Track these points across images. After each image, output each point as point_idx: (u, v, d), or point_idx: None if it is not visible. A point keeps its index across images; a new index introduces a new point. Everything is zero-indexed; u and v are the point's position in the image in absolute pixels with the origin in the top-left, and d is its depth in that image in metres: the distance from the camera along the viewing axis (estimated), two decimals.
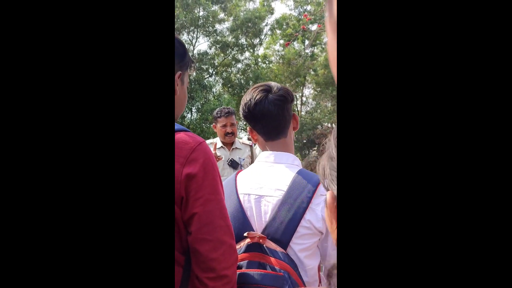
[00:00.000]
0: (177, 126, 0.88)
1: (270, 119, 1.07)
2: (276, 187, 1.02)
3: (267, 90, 1.08)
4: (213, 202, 0.83)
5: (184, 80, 0.97)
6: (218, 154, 3.04)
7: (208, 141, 3.18)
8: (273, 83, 1.11)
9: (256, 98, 1.06)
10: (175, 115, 0.95)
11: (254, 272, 0.91)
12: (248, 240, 0.96)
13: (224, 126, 3.07)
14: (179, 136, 0.84)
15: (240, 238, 0.98)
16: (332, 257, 1.00)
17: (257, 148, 3.21)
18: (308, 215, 0.96)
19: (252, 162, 3.20)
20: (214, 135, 3.35)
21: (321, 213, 0.97)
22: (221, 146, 3.14)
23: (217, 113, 3.12)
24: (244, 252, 0.95)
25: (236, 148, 3.20)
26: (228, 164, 3.09)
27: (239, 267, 0.93)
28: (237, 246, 0.95)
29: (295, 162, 1.10)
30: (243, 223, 1.00)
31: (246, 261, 0.94)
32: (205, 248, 0.80)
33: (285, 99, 1.07)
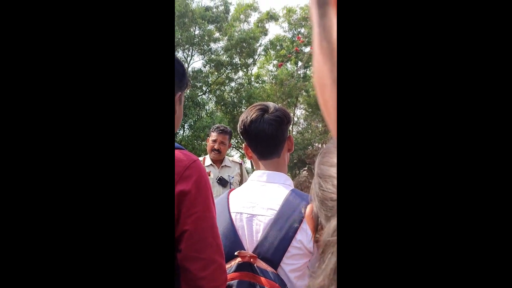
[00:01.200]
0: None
1: (264, 139, 1.09)
2: (268, 207, 1.03)
3: (264, 109, 1.10)
4: (205, 219, 0.82)
5: (181, 99, 1.00)
6: (207, 170, 3.05)
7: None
8: (271, 104, 1.13)
9: (253, 117, 1.09)
10: None
11: None
12: (239, 259, 0.97)
13: (214, 141, 3.08)
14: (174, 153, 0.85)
15: (231, 257, 0.98)
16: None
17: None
18: (299, 235, 0.97)
19: (241, 180, 3.19)
20: (205, 152, 3.35)
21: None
22: (210, 164, 3.14)
23: (212, 128, 3.13)
24: (235, 271, 0.95)
25: (225, 166, 3.20)
26: (217, 181, 3.08)
27: (229, 287, 0.93)
28: (228, 265, 0.95)
29: (287, 182, 1.11)
30: (235, 241, 1.00)
31: (237, 280, 0.94)
32: (195, 266, 0.79)
33: (281, 120, 1.10)
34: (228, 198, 1.09)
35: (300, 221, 0.97)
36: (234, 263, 0.96)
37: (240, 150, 16.79)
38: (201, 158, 3.12)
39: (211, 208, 0.86)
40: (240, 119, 1.13)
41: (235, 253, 0.96)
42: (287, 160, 1.15)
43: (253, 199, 1.04)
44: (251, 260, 0.95)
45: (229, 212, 1.05)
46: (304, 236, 0.97)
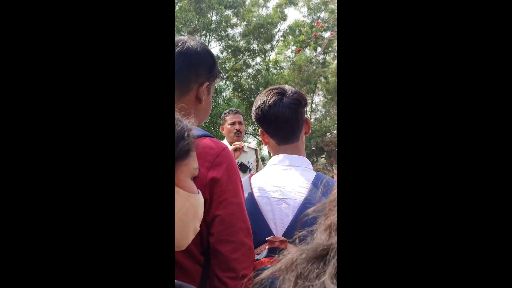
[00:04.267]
0: (201, 131, 0.91)
1: (284, 123, 1.06)
2: (296, 190, 1.01)
3: (282, 93, 1.07)
4: (235, 205, 0.86)
5: (210, 90, 1.01)
6: None
7: None
8: (287, 87, 1.10)
9: (271, 101, 1.05)
10: (198, 122, 0.98)
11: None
12: (268, 244, 0.95)
13: (233, 124, 3.06)
14: (204, 141, 0.87)
15: (260, 242, 0.96)
16: None
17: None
18: None
19: (257, 166, 3.18)
20: (222, 139, 3.33)
21: None
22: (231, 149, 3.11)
23: (225, 113, 3.11)
24: (266, 256, 0.94)
25: (243, 151, 3.18)
26: (238, 167, 3.05)
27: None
28: (258, 250, 0.95)
29: (309, 166, 1.09)
30: (262, 226, 0.99)
31: (269, 265, 0.92)
32: (226, 249, 0.84)
33: (299, 103, 1.07)
34: (250, 183, 1.07)
35: None
36: (264, 248, 0.95)
37: (257, 137, 16.84)
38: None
39: (240, 194, 0.90)
40: (255, 104, 1.10)
41: (266, 239, 0.94)
42: (304, 143, 1.13)
43: (278, 183, 1.02)
44: (282, 245, 0.93)
45: (254, 197, 1.03)
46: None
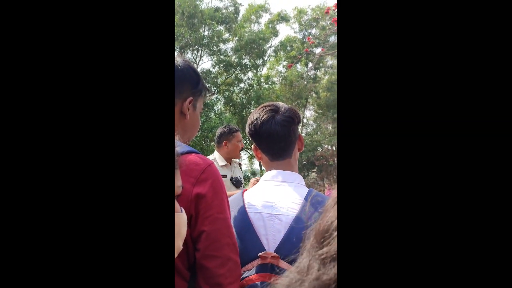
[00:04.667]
0: (187, 147, 0.92)
1: (276, 140, 1.07)
2: (288, 206, 1.01)
3: (275, 110, 1.08)
4: (221, 220, 0.87)
5: (196, 106, 1.02)
6: (222, 173, 2.99)
7: (209, 157, 3.13)
8: (280, 104, 1.11)
9: (263, 118, 1.06)
10: (186, 138, 1.01)
11: None
12: (259, 260, 0.95)
13: (240, 141, 3.02)
14: (190, 157, 0.88)
15: (251, 258, 0.96)
16: None
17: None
18: None
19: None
20: (211, 153, 3.30)
21: None
22: (225, 164, 3.07)
23: (232, 129, 3.03)
24: (257, 272, 0.94)
25: (234, 166, 3.16)
26: (232, 182, 3.02)
27: (255, 287, 0.92)
28: (250, 266, 0.95)
29: (302, 182, 1.10)
30: (254, 241, 0.98)
31: (259, 281, 0.92)
32: (213, 264, 0.85)
33: (292, 120, 1.08)
34: (243, 198, 1.07)
35: None
36: (256, 264, 0.94)
37: (249, 151, 16.83)
38: (211, 157, 3.07)
39: (226, 210, 0.90)
40: (249, 120, 1.11)
41: (258, 254, 0.94)
42: (297, 159, 1.14)
43: (271, 199, 1.03)
44: (273, 261, 0.93)
45: (246, 212, 1.02)
46: None
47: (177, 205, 0.67)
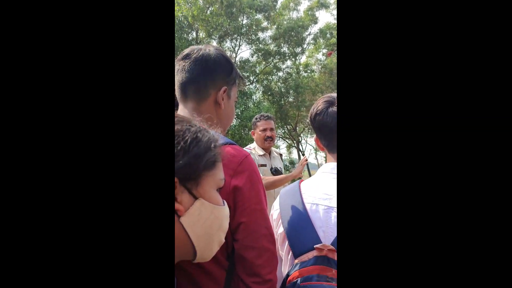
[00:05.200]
0: (225, 139, 0.92)
1: (327, 132, 1.06)
2: None
3: (330, 102, 1.06)
4: (258, 212, 0.88)
5: (231, 95, 1.02)
6: (261, 162, 3.01)
7: (247, 147, 3.15)
8: (335, 95, 1.09)
9: (318, 109, 1.06)
10: (222, 129, 1.00)
11: (325, 285, 0.90)
12: (315, 252, 0.94)
13: (264, 130, 3.04)
14: (227, 149, 0.88)
15: (306, 249, 0.96)
16: None
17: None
18: None
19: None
20: (251, 142, 3.33)
21: None
22: (264, 154, 3.10)
23: (256, 118, 3.10)
24: (313, 264, 0.93)
25: (274, 156, 3.16)
26: (272, 172, 3.04)
27: (309, 279, 0.92)
28: (305, 258, 0.95)
29: None
30: (310, 233, 0.98)
31: (316, 273, 0.92)
32: (251, 255, 0.86)
33: None
34: (300, 189, 1.06)
35: None
36: (311, 255, 0.93)
37: (286, 140, 16.74)
38: (251, 146, 3.09)
39: (263, 201, 0.92)
40: (311, 110, 1.12)
41: (314, 246, 0.93)
42: None
43: (329, 191, 1.01)
44: (329, 254, 0.93)
45: (303, 203, 1.01)
46: None
47: (219, 198, 0.67)
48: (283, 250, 1.02)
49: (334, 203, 1.01)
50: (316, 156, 18.59)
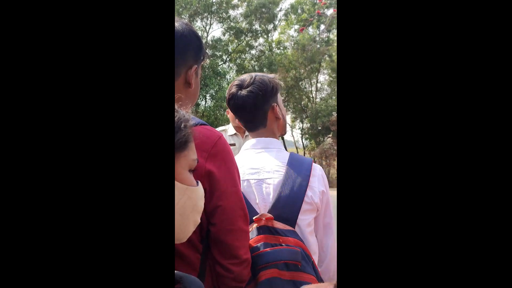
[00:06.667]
0: (196, 119, 0.90)
1: (243, 113, 1.13)
2: (274, 169, 1.07)
3: (240, 85, 1.13)
4: (234, 194, 0.89)
5: (198, 72, 0.99)
6: (232, 141, 3.03)
7: (219, 128, 3.17)
8: (247, 77, 1.15)
9: (231, 94, 1.13)
10: (190, 106, 0.96)
11: (272, 250, 0.95)
12: (255, 224, 0.99)
13: None
14: (199, 130, 0.86)
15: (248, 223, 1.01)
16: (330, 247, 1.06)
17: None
18: (309, 192, 1.03)
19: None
20: (228, 122, 3.34)
21: (317, 188, 1.04)
22: (234, 133, 3.13)
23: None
24: (257, 235, 0.98)
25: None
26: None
27: (257, 249, 0.96)
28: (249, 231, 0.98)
29: (282, 147, 1.16)
30: (248, 207, 1.01)
31: (262, 242, 0.97)
32: (230, 238, 0.87)
33: (255, 94, 1.11)
34: None
35: (308, 179, 1.04)
36: (252, 228, 0.99)
37: None
38: (225, 127, 3.10)
39: (237, 182, 0.91)
40: (226, 94, 1.19)
41: (253, 218, 0.99)
42: (278, 129, 1.18)
43: (255, 165, 1.08)
44: (268, 223, 0.98)
45: None
46: (312, 192, 1.04)
47: (192, 179, 0.66)
48: None
49: (262, 175, 1.07)
50: (292, 133, 18.76)
